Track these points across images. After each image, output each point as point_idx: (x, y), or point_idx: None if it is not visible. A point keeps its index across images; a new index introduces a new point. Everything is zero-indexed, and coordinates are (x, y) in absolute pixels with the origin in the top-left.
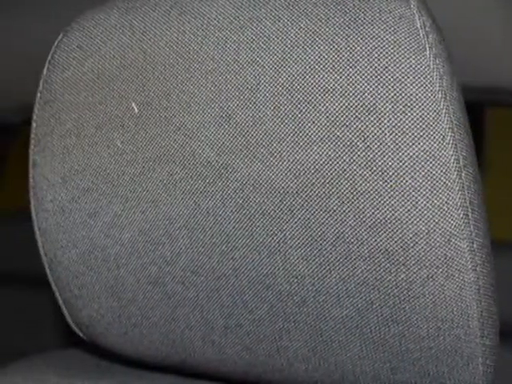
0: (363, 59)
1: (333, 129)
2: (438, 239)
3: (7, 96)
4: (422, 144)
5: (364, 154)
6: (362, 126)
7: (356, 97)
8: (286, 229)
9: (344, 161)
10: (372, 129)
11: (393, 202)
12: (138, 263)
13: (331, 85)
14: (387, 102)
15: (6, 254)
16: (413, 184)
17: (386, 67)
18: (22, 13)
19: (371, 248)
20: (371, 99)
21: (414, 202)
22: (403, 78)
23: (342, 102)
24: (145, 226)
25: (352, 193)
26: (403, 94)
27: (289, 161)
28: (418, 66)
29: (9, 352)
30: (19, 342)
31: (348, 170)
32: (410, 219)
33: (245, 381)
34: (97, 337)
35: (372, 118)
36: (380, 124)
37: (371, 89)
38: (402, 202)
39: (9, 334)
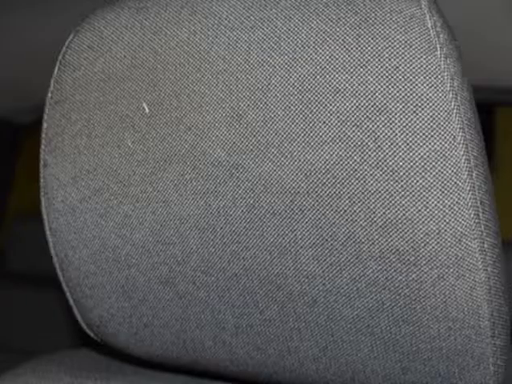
0: (374, 59)
1: (343, 129)
2: (448, 239)
3: (18, 96)
4: (432, 144)
5: (375, 153)
6: (372, 125)
7: (367, 97)
8: (296, 229)
9: (355, 161)
10: (383, 129)
11: (404, 202)
12: (149, 263)
13: (342, 85)
14: (398, 101)
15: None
16: (424, 184)
17: (397, 67)
18: (32, 13)
19: (382, 248)
20: (382, 99)
21: (424, 202)
22: (414, 77)
23: (352, 101)
24: (155, 226)
25: (363, 193)
26: (414, 94)
27: (299, 161)
28: (429, 66)
29: (22, 352)
30: (36, 341)
31: (359, 169)
32: (420, 219)
33: (256, 381)
34: (108, 337)
35: (383, 118)
36: (391, 124)
37: (382, 89)
38: (413, 202)
39: (24, 334)
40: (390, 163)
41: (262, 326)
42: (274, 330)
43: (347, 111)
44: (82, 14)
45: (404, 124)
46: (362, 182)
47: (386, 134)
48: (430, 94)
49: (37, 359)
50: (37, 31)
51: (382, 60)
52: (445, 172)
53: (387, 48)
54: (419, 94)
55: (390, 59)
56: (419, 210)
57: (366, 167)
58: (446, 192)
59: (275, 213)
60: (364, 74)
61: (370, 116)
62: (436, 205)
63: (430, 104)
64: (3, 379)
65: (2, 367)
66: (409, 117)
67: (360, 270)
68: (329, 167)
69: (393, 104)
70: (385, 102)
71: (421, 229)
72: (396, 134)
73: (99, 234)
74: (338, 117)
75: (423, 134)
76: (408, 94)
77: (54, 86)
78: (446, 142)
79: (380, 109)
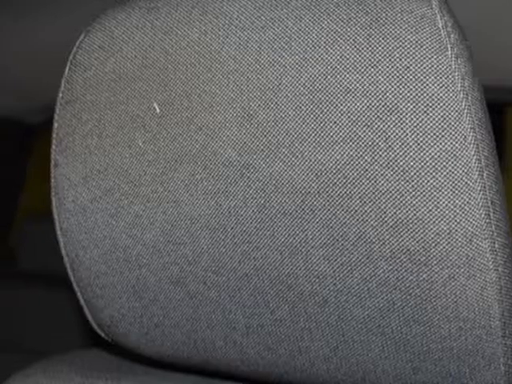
0: (385, 59)
1: (354, 129)
2: (459, 239)
3: (29, 96)
4: (443, 144)
5: (386, 153)
6: (383, 125)
7: (378, 97)
8: (307, 229)
9: (365, 161)
10: (394, 129)
11: (414, 202)
12: (160, 263)
13: (353, 85)
14: (409, 101)
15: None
16: (434, 184)
17: (408, 67)
18: (43, 13)
19: (393, 248)
20: (393, 99)
21: (435, 202)
22: (425, 77)
23: (363, 101)
24: (166, 226)
25: (374, 193)
26: (425, 94)
27: (310, 161)
28: (440, 66)
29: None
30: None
31: (370, 169)
32: (431, 219)
33: (266, 381)
34: (118, 337)
35: (394, 118)
36: (402, 124)
37: (393, 89)
38: (424, 202)
39: (35, 334)
40: (401, 163)
41: (273, 325)
42: (284, 329)
43: (358, 111)
44: (93, 14)
45: (415, 124)
46: (372, 181)
47: (397, 133)
48: (441, 94)
49: (47, 359)
50: (47, 31)
51: (392, 60)
52: (455, 172)
53: (398, 48)
54: (430, 94)
55: (400, 59)
56: (430, 210)
57: (376, 167)
58: (456, 192)
59: (286, 213)
60: (375, 74)
61: (381, 116)
62: (447, 205)
63: (441, 104)
64: (14, 379)
65: (13, 367)
66: (420, 117)
67: (371, 269)
68: (339, 167)
69: (404, 104)
70: (395, 101)
71: (431, 229)
72: (407, 134)
73: (110, 234)
74: (349, 117)
75: (434, 133)
76: (419, 94)
77: (64, 86)
78: (456, 142)
79: (391, 109)
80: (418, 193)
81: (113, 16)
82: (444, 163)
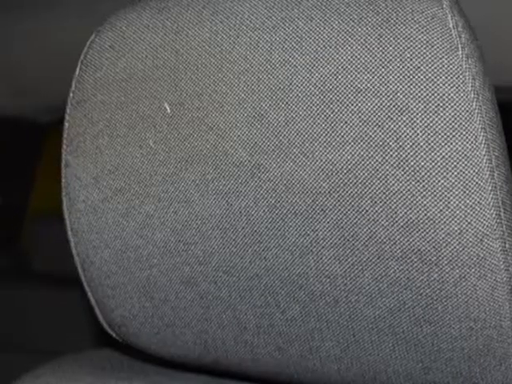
0: (396, 59)
1: (365, 129)
2: (470, 239)
3: (40, 96)
4: (454, 144)
5: (396, 153)
6: (394, 125)
7: (388, 97)
8: (318, 229)
9: (376, 161)
10: (404, 129)
11: (425, 202)
12: (171, 263)
13: (364, 85)
14: (420, 101)
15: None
16: (445, 184)
17: (419, 67)
18: (53, 13)
19: (404, 248)
20: (404, 99)
21: (446, 202)
22: (436, 78)
23: (374, 101)
24: (177, 226)
25: (384, 193)
26: (435, 94)
27: (321, 161)
28: (451, 66)
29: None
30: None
31: (380, 169)
32: (442, 219)
33: (277, 381)
34: (129, 337)
35: (404, 118)
36: (412, 124)
37: (404, 89)
38: (435, 202)
39: (48, 335)
40: (412, 163)
41: (284, 325)
42: (295, 329)
43: (369, 111)
44: (104, 14)
45: (426, 124)
46: (383, 181)
47: (408, 133)
48: (452, 94)
49: (58, 359)
50: (57, 32)
51: (403, 60)
52: (466, 172)
53: (409, 48)
54: (441, 94)
55: (411, 59)
56: (441, 210)
57: (387, 167)
58: (467, 192)
59: (297, 213)
60: (386, 74)
61: (392, 116)
62: (458, 205)
63: (452, 104)
64: (23, 379)
65: (26, 368)
66: (430, 117)
67: (381, 269)
68: (350, 167)
69: (414, 104)
70: (406, 101)
71: (442, 229)
72: (417, 134)
73: (121, 234)
74: (360, 117)
75: (445, 133)
76: (430, 94)
77: (75, 86)
78: (467, 142)
79: (402, 109)
80: (429, 193)
81: (124, 16)
82: (455, 163)
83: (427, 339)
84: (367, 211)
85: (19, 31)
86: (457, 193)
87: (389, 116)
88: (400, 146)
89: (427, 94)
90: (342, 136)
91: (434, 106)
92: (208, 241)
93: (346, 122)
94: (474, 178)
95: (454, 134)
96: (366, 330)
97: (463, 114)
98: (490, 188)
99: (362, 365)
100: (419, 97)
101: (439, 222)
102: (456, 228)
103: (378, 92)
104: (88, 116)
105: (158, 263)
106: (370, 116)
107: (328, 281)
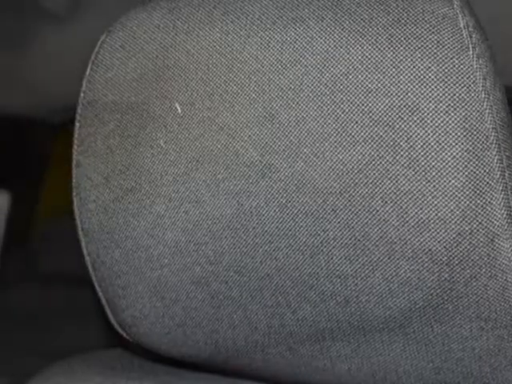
0: (406, 59)
1: (376, 129)
2: (481, 239)
3: (51, 96)
4: (465, 144)
5: (407, 154)
6: (405, 125)
7: (399, 97)
8: (329, 229)
9: (387, 161)
10: (415, 129)
11: (436, 202)
12: (182, 263)
13: (374, 85)
14: (430, 101)
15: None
16: (456, 184)
17: (429, 67)
18: (66, 14)
19: (414, 248)
20: (414, 99)
21: (457, 202)
22: (446, 78)
23: (385, 101)
24: (188, 226)
25: (395, 193)
26: (446, 94)
27: (332, 161)
28: (461, 66)
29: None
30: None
31: (391, 170)
32: (453, 219)
33: (287, 381)
34: (140, 337)
35: (415, 118)
36: (423, 124)
37: (414, 89)
38: (446, 202)
39: (59, 335)
40: (423, 163)
41: (295, 326)
42: (306, 329)
43: (379, 111)
44: (115, 15)
45: (436, 124)
46: (394, 181)
47: (419, 134)
48: (463, 94)
49: (67, 359)
50: (69, 31)
51: (414, 60)
52: (477, 172)
53: (419, 48)
54: (451, 94)
55: (422, 59)
56: (451, 210)
57: (398, 167)
58: (478, 192)
59: (307, 213)
60: (396, 74)
61: (403, 116)
62: (468, 205)
63: (463, 104)
64: (33, 379)
65: (35, 367)
66: (441, 117)
67: (392, 269)
68: (361, 167)
69: (425, 104)
70: (417, 101)
71: (453, 229)
72: (428, 134)
73: (131, 234)
74: (371, 117)
75: (455, 134)
76: (440, 94)
77: (86, 86)
78: (478, 142)
79: (412, 109)
80: (440, 193)
81: (134, 16)
82: (465, 163)
83: (438, 339)
84: (378, 211)
85: (31, 31)
86: (467, 193)
87: (399, 116)
88: (411, 146)
89: (438, 94)
90: (353, 136)
91: (444, 106)
92: (219, 241)
93: (356, 122)
94: (485, 178)
95: (464, 134)
96: (377, 330)
97: (474, 114)
98: (500, 188)
99: (372, 365)
100: (430, 97)
101: (450, 221)
102: (467, 228)
103: (389, 92)
104: (99, 116)
105: (168, 263)
106: (380, 116)
107: (339, 281)
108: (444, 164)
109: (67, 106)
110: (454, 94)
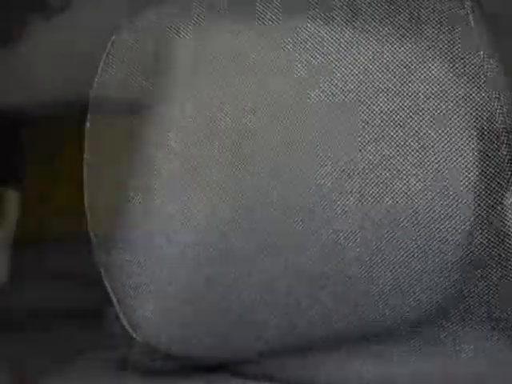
0: (417, 59)
1: (387, 129)
2: (491, 239)
3: (61, 96)
4: (476, 144)
5: (418, 153)
6: (415, 125)
7: (410, 96)
8: (339, 229)
9: (398, 161)
10: (426, 129)
11: (447, 202)
12: (192, 263)
13: (385, 85)
14: (441, 101)
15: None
16: (467, 184)
17: (440, 67)
18: (73, 13)
19: (425, 248)
20: (425, 99)
21: (468, 202)
22: (457, 78)
23: (395, 101)
24: (198, 227)
25: (406, 192)
26: (457, 94)
27: (342, 161)
28: (472, 66)
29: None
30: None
31: (402, 169)
32: (464, 219)
33: (297, 382)
34: (151, 337)
35: (426, 118)
36: (434, 124)
37: (425, 89)
38: (456, 202)
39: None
40: (433, 163)
41: (305, 327)
42: (316, 331)
43: (390, 111)
44: (124, 16)
45: (447, 124)
46: (405, 181)
47: (429, 133)
48: (473, 94)
49: (79, 359)
50: (79, 30)
51: (425, 60)
52: (488, 172)
53: (430, 48)
54: (462, 94)
55: (433, 59)
56: (462, 210)
57: (409, 167)
58: (489, 192)
59: (317, 213)
60: (407, 74)
61: (413, 116)
62: (479, 205)
63: (474, 104)
64: (46, 378)
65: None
66: (452, 117)
67: (403, 270)
68: (372, 167)
69: (436, 104)
70: (427, 101)
71: (464, 229)
72: (439, 134)
73: (142, 234)
74: (381, 117)
75: (466, 133)
76: (451, 94)
77: (97, 86)
78: (489, 142)
79: (423, 109)
80: (451, 192)
81: (145, 16)
82: (476, 163)
83: (449, 339)
84: (389, 211)
85: (41, 30)
86: (478, 193)
87: (410, 116)
88: (421, 146)
89: (449, 94)
90: (364, 136)
91: (455, 106)
92: (228, 241)
93: (367, 122)
94: (496, 178)
95: (475, 133)
96: (388, 330)
97: (484, 113)
98: (511, 188)
99: (383, 366)
100: (441, 97)
101: (460, 221)
102: (477, 228)
103: (400, 92)
104: (110, 116)
105: (179, 263)
106: (391, 116)
107: (349, 281)
108: (454, 164)
109: (70, 104)
110: (465, 94)
